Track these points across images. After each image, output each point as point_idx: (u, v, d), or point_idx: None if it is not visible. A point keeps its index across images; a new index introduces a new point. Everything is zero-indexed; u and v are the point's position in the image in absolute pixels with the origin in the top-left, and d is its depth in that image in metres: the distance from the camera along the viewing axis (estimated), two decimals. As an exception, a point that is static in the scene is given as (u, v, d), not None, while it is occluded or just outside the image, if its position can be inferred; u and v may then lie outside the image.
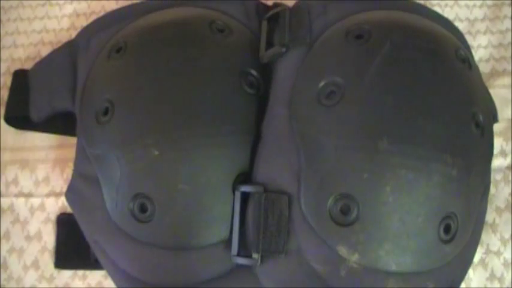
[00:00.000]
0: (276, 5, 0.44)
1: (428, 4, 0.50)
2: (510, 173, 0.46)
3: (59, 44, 0.50)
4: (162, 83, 0.38)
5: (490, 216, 0.44)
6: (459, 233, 0.36)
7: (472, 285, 0.43)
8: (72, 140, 0.44)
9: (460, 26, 0.50)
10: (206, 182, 0.37)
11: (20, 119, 0.47)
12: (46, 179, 0.47)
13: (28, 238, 0.46)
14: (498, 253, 0.44)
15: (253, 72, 0.40)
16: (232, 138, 0.38)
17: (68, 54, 0.45)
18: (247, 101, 0.39)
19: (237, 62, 0.40)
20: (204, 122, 0.37)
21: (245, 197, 0.37)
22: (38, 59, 0.49)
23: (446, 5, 0.52)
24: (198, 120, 0.37)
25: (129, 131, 0.37)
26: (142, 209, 0.37)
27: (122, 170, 0.37)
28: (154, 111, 0.37)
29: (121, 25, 0.43)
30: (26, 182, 0.47)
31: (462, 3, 0.52)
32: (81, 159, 0.41)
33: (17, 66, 0.50)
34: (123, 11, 0.46)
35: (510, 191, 0.46)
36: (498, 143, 0.46)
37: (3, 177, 0.48)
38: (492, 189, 0.45)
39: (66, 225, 0.45)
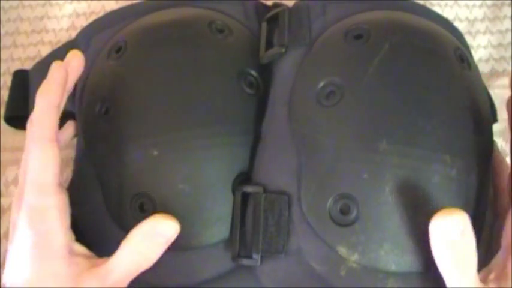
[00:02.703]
0: (275, 5, 0.44)
1: (428, 4, 0.50)
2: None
3: (59, 44, 0.50)
4: (161, 83, 0.38)
5: (490, 216, 0.44)
6: (459, 233, 0.36)
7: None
8: (72, 141, 0.44)
9: (460, 26, 0.50)
10: (205, 182, 0.37)
11: (20, 119, 0.47)
12: (46, 179, 0.47)
13: (28, 238, 0.46)
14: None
15: (253, 72, 0.40)
16: (232, 138, 0.38)
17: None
18: (246, 102, 0.39)
19: (237, 62, 0.40)
20: (203, 122, 0.37)
21: (245, 197, 0.37)
22: (38, 59, 0.49)
23: (446, 5, 0.52)
24: (197, 121, 0.37)
25: (128, 132, 0.38)
26: (142, 208, 0.37)
27: (122, 170, 0.37)
28: (153, 111, 0.37)
29: (121, 25, 0.43)
30: (26, 182, 0.47)
31: (462, 3, 0.52)
32: (81, 159, 0.41)
33: (17, 66, 0.50)
34: (123, 11, 0.46)
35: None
36: (498, 143, 0.46)
37: (3, 177, 0.47)
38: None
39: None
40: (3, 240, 0.46)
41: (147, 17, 0.43)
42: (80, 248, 0.36)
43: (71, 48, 0.45)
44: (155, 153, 0.36)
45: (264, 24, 0.42)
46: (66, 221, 0.35)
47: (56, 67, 0.36)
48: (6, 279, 0.35)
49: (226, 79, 0.39)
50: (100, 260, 0.35)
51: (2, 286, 0.36)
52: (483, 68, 0.49)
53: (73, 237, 0.35)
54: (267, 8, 0.45)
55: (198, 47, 0.39)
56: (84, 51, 0.43)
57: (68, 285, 0.33)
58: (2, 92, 0.50)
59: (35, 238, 0.33)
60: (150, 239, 0.34)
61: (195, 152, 0.37)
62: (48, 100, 0.35)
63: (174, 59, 0.39)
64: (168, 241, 0.35)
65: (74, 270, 0.34)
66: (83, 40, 0.44)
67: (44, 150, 0.34)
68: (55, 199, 0.34)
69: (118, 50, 0.41)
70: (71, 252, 0.34)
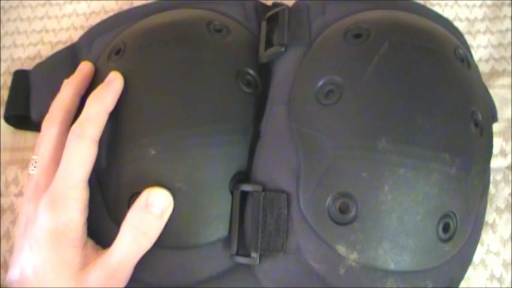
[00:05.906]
0: (275, 4, 0.44)
1: (428, 4, 0.50)
2: (510, 173, 0.46)
3: (59, 44, 0.50)
4: (159, 83, 0.38)
5: (490, 216, 0.44)
6: (458, 232, 0.36)
7: (472, 285, 0.43)
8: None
9: (460, 25, 0.50)
10: (203, 181, 0.37)
11: (20, 119, 0.47)
12: (46, 179, 0.47)
13: (28, 238, 0.46)
14: (498, 253, 0.44)
15: (251, 71, 0.40)
16: (229, 137, 0.38)
17: (70, 56, 0.45)
18: (244, 100, 0.39)
19: (235, 62, 0.40)
20: (200, 121, 0.37)
21: (244, 196, 0.37)
22: (38, 59, 0.50)
23: (446, 5, 0.52)
24: (195, 120, 0.37)
25: (126, 131, 0.38)
26: None
27: (120, 169, 0.37)
28: (151, 111, 0.38)
29: (122, 28, 0.44)
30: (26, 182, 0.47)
31: (462, 3, 0.52)
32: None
33: (17, 66, 0.50)
34: (124, 14, 0.46)
35: (510, 191, 0.45)
36: (498, 143, 0.46)
37: (3, 177, 0.47)
38: (492, 189, 0.45)
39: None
40: (3, 240, 0.46)
41: (146, 19, 0.43)
42: (90, 242, 0.37)
43: (73, 51, 0.45)
44: (152, 152, 0.36)
45: (264, 24, 0.42)
46: (85, 215, 0.36)
47: (115, 75, 0.38)
48: (11, 272, 0.36)
49: (224, 78, 0.39)
50: (105, 250, 0.36)
51: (2, 286, 0.36)
52: (483, 68, 0.49)
53: (86, 231, 0.37)
54: (267, 8, 0.45)
55: (196, 47, 0.40)
56: (85, 54, 0.44)
57: (77, 274, 0.35)
58: (2, 91, 0.50)
59: (54, 227, 0.35)
60: (145, 211, 0.35)
61: (192, 151, 0.37)
62: (103, 105, 0.38)
63: (172, 59, 0.39)
64: (163, 213, 0.36)
65: (83, 261, 0.35)
66: (85, 43, 0.45)
67: (87, 148, 0.36)
68: (82, 193, 0.36)
69: (118, 51, 0.41)
70: (84, 245, 0.36)
